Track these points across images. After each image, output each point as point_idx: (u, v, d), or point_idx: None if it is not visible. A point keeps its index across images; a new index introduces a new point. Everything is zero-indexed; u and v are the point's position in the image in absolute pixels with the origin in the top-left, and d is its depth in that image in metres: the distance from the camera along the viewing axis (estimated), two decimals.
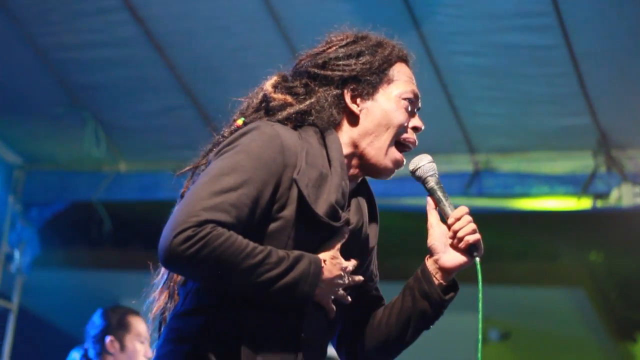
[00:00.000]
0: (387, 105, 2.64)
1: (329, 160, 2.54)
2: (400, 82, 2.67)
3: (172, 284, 2.62)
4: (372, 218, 2.71)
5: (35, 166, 7.47)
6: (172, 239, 2.30)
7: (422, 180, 2.67)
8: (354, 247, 2.57)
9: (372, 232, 2.69)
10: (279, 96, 2.63)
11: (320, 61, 2.66)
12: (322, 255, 2.46)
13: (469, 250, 2.59)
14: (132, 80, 6.68)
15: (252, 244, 2.35)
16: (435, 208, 2.64)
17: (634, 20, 5.79)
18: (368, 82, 2.64)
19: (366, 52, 2.67)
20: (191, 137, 6.56)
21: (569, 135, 6.46)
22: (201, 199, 2.35)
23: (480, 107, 6.49)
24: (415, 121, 2.68)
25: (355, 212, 2.61)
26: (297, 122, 2.60)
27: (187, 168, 2.66)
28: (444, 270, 2.61)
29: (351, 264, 2.52)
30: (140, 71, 6.62)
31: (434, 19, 5.95)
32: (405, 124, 2.65)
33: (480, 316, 2.59)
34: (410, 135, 2.66)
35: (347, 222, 2.54)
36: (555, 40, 5.87)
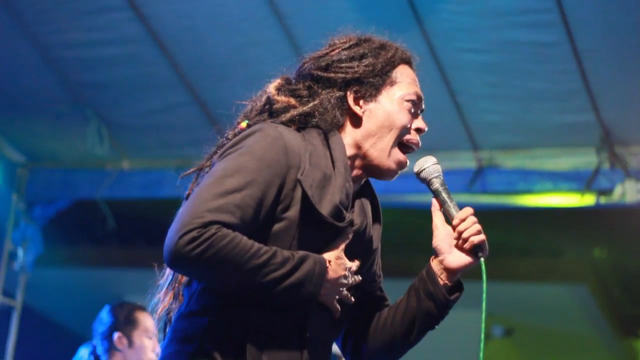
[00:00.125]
0: (390, 107, 2.64)
1: (333, 162, 2.55)
2: (403, 84, 2.67)
3: (177, 285, 2.63)
4: (376, 219, 2.71)
5: (38, 164, 7.47)
6: (177, 241, 2.30)
7: (427, 182, 2.68)
8: (358, 248, 2.58)
9: (376, 233, 2.69)
10: (282, 98, 2.63)
11: (323, 64, 2.66)
12: (327, 256, 2.47)
13: (474, 250, 2.60)
14: (135, 78, 6.69)
15: (257, 245, 2.36)
16: (440, 209, 2.65)
17: (637, 16, 5.79)
18: (371, 84, 2.64)
19: (369, 54, 2.67)
20: (195, 135, 6.58)
21: (572, 131, 6.46)
22: (206, 201, 2.35)
23: (484, 104, 6.48)
24: (419, 123, 2.68)
25: (359, 213, 2.61)
26: (301, 124, 2.60)
27: (191, 170, 2.66)
28: (449, 271, 2.62)
29: (355, 265, 2.53)
30: (144, 69, 6.62)
31: (437, 16, 5.95)
32: (408, 126, 2.65)
33: (483, 316, 2.60)
34: (413, 137, 2.67)
35: (351, 223, 2.54)
36: (559, 37, 5.87)
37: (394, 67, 2.68)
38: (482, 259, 2.60)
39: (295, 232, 2.45)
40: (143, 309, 5.04)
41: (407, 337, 2.67)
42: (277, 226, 2.45)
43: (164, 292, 2.64)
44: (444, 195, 2.65)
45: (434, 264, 2.63)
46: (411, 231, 7.79)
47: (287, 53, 6.07)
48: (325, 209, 2.46)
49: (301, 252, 2.42)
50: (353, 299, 2.55)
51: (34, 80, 6.80)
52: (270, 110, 2.63)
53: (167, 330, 2.60)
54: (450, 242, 2.61)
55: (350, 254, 2.52)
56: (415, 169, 2.69)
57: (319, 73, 2.65)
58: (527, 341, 11.30)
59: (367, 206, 2.67)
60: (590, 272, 10.13)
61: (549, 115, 6.44)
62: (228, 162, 2.44)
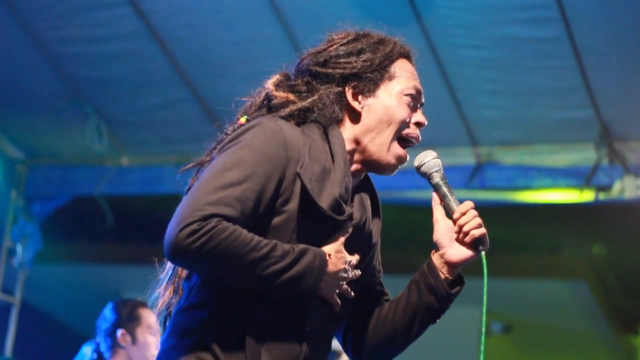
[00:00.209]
0: (388, 102, 2.64)
1: (332, 156, 2.55)
2: (402, 78, 2.67)
3: (177, 279, 2.63)
4: (375, 214, 2.71)
5: (37, 161, 7.47)
6: (178, 233, 2.31)
7: (427, 176, 2.68)
8: (357, 243, 2.58)
9: (375, 228, 2.70)
10: (280, 94, 2.64)
11: (321, 59, 2.66)
12: (327, 249, 2.47)
13: (475, 244, 2.60)
14: (134, 75, 6.69)
15: (257, 238, 2.36)
16: (441, 203, 2.65)
17: (636, 12, 5.79)
18: (369, 79, 2.64)
19: (367, 49, 2.67)
20: (193, 131, 6.59)
21: (571, 127, 6.46)
22: (206, 194, 2.36)
23: (483, 100, 6.48)
24: (418, 117, 2.68)
25: (359, 208, 2.61)
26: (300, 119, 2.60)
27: (191, 165, 2.67)
28: (450, 265, 2.62)
29: (355, 259, 2.53)
30: (143, 65, 6.62)
31: (436, 12, 5.95)
32: (408, 120, 2.65)
33: (484, 309, 2.61)
34: (412, 131, 2.67)
35: (351, 217, 2.55)
36: (558, 32, 5.87)
37: (392, 61, 2.68)
38: (483, 253, 2.60)
39: (294, 225, 2.45)
40: (146, 305, 5.03)
41: (408, 332, 2.67)
42: (276, 220, 2.45)
43: (164, 287, 2.64)
44: (445, 189, 2.65)
45: (435, 257, 2.63)
46: (411, 228, 7.79)
47: (286, 49, 6.07)
48: (324, 202, 2.46)
49: (301, 246, 2.42)
50: (353, 294, 2.55)
51: (33, 77, 6.80)
52: (268, 106, 2.64)
53: (167, 324, 2.61)
54: (451, 235, 2.61)
55: (350, 248, 2.52)
56: (416, 163, 2.69)
57: (318, 69, 2.65)
58: (526, 337, 11.31)
59: (367, 201, 2.67)
60: (589, 268, 10.13)
61: (548, 111, 6.44)
62: (228, 155, 2.45)
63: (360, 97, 2.64)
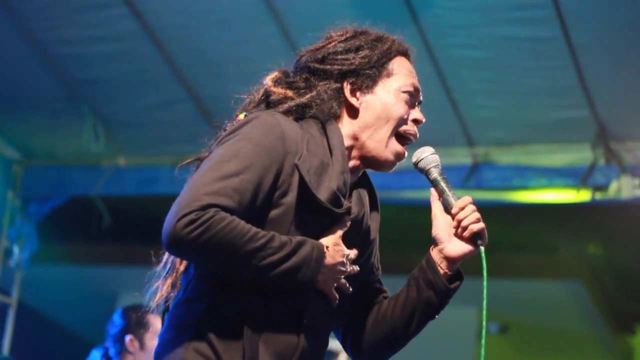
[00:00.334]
0: (386, 98, 2.65)
1: (330, 150, 2.56)
2: (400, 75, 2.68)
3: (175, 273, 2.64)
4: (374, 211, 2.72)
5: (33, 161, 7.47)
6: (176, 223, 2.32)
7: (425, 172, 2.69)
8: (356, 238, 2.58)
9: (374, 224, 2.70)
10: (279, 90, 2.65)
11: (319, 56, 2.68)
12: (325, 242, 2.48)
13: (473, 239, 2.61)
14: (130, 75, 6.69)
15: (254, 229, 2.37)
16: (439, 199, 2.66)
17: (632, 12, 5.80)
18: (367, 75, 2.66)
19: (365, 46, 2.68)
20: (190, 131, 6.59)
21: (567, 127, 6.46)
22: (204, 184, 2.37)
23: (479, 100, 6.49)
24: (416, 113, 2.69)
25: (357, 203, 2.62)
26: (298, 114, 2.62)
27: (190, 160, 2.67)
28: (449, 260, 2.62)
29: (353, 253, 2.54)
30: (139, 65, 6.63)
31: (432, 12, 5.96)
32: (405, 117, 2.66)
33: (484, 303, 2.62)
34: (410, 128, 2.68)
35: (349, 211, 2.55)
36: (554, 32, 5.87)
37: (390, 58, 2.69)
38: (481, 247, 2.61)
39: (292, 218, 2.46)
40: (154, 312, 5.04)
41: (407, 328, 2.68)
42: (274, 212, 2.46)
43: (162, 281, 2.65)
44: (443, 184, 2.66)
45: (434, 253, 2.64)
46: (408, 228, 7.79)
47: (282, 50, 6.08)
48: (322, 194, 2.47)
49: (299, 237, 2.43)
50: (351, 289, 2.55)
51: (30, 77, 6.80)
52: (267, 102, 2.65)
53: (165, 317, 2.61)
54: (450, 231, 2.62)
55: (348, 243, 2.53)
56: (413, 159, 2.70)
57: (316, 65, 2.67)
58: (523, 337, 11.31)
59: (365, 197, 2.68)
60: (585, 268, 10.13)
61: (545, 111, 6.44)
62: (226, 147, 2.46)
63: (358, 94, 2.66)
